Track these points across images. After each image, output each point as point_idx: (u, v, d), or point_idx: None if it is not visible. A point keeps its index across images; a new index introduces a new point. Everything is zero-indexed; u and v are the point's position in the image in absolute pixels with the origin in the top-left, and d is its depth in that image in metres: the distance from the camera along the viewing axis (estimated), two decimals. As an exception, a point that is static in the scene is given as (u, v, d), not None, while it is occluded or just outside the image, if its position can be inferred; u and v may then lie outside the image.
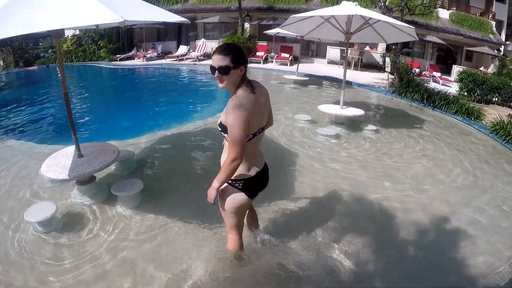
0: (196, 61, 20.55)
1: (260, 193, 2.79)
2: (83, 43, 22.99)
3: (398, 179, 5.36)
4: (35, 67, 20.58)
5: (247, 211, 3.06)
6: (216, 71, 2.32)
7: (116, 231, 3.75)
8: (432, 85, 14.54)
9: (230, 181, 2.54)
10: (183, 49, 22.60)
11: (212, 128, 7.27)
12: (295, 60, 17.88)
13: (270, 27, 18.20)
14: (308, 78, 14.21)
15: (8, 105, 11.06)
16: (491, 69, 19.92)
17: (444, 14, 21.11)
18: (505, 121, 8.29)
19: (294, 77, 13.80)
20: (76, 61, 22.25)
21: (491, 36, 21.21)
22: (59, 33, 3.72)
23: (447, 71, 19.75)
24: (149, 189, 4.52)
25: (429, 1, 15.40)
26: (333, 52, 20.13)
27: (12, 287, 3.02)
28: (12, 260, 3.33)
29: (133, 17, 3.05)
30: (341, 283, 3.13)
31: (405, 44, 19.81)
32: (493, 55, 19.77)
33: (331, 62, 20.14)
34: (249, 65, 2.47)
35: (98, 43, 22.76)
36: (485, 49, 19.36)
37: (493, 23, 22.07)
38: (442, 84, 16.13)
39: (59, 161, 4.10)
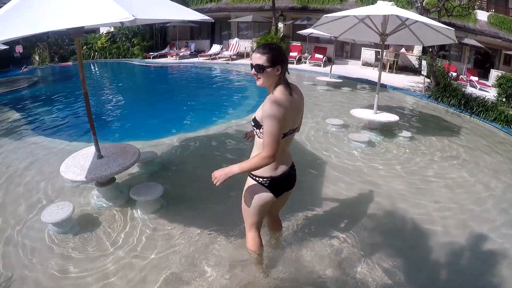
0: (229, 60, 20.57)
1: (288, 196, 2.81)
2: (117, 40, 23.30)
3: (434, 192, 4.96)
4: (69, 63, 21.09)
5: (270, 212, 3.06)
6: (253, 69, 2.37)
7: (132, 237, 3.67)
8: (469, 89, 13.94)
9: (256, 178, 2.56)
10: (216, 48, 22.66)
11: (242, 130, 7.13)
12: (329, 61, 17.56)
13: (304, 27, 18.02)
14: (341, 80, 13.92)
15: (39, 100, 11.35)
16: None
17: (482, 16, 20.16)
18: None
19: (327, 78, 13.54)
20: (110, 58, 22.59)
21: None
22: (78, 31, 3.56)
23: (484, 75, 18.82)
24: (170, 193, 4.45)
25: (467, 2, 14.66)
26: (368, 54, 19.63)
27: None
28: (24, 260, 3.32)
29: (146, 15, 2.88)
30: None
31: (442, 47, 19.02)
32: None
33: (366, 64, 19.66)
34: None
35: (132, 40, 23.06)
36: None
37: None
38: (480, 89, 15.38)
39: (78, 162, 4.04)
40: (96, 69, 19.99)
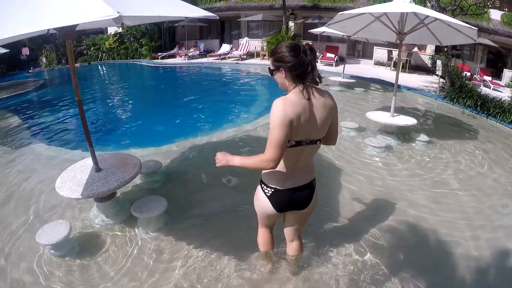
0: (238, 60, 20.29)
1: (304, 216, 2.64)
2: (125, 40, 23.08)
3: (462, 207, 4.54)
4: (77, 65, 20.83)
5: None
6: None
7: (133, 258, 3.41)
8: (483, 90, 13.45)
9: (262, 185, 2.47)
10: (225, 47, 22.38)
11: (253, 136, 6.84)
12: (341, 61, 17.21)
13: (315, 25, 17.75)
14: (354, 80, 13.55)
15: (44, 103, 11.11)
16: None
17: (495, 15, 19.67)
18: None
19: (340, 78, 13.20)
20: (118, 59, 22.41)
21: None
22: (69, 33, 3.22)
23: (497, 75, 18.29)
24: (175, 207, 4.18)
25: (482, 1, 14.22)
26: (380, 53, 19.20)
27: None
28: (22, 283, 3.14)
29: (135, 12, 2.53)
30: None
31: (454, 46, 18.50)
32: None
33: (378, 63, 19.26)
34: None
35: (140, 40, 22.83)
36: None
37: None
38: (493, 89, 14.89)
39: (75, 176, 3.73)
40: (104, 70, 19.82)
